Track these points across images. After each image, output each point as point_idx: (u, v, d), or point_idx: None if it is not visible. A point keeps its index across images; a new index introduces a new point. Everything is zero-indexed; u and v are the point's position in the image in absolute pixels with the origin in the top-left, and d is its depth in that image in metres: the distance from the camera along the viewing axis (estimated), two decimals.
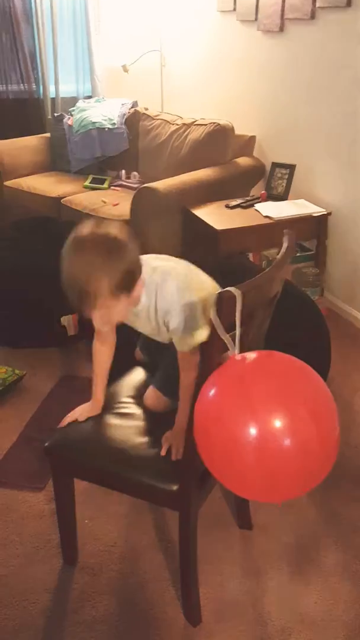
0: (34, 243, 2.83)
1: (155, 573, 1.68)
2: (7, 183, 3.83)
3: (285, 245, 1.32)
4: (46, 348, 2.72)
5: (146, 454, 1.44)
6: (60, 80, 4.40)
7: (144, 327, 1.54)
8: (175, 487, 1.36)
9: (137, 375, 1.75)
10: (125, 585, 1.65)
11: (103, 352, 1.61)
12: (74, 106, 4.12)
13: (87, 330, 2.61)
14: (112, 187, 3.74)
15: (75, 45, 4.39)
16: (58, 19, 4.24)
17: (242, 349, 1.11)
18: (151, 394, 1.63)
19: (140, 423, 1.55)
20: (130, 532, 1.81)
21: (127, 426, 1.53)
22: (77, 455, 1.50)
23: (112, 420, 1.56)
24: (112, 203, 3.35)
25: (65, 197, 3.53)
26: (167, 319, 1.42)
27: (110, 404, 1.61)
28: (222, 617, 1.56)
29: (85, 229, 1.27)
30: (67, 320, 2.61)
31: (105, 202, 3.36)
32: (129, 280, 1.27)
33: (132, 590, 1.63)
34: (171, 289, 1.39)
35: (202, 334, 1.37)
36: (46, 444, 1.52)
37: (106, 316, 1.35)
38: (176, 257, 1.53)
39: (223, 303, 1.07)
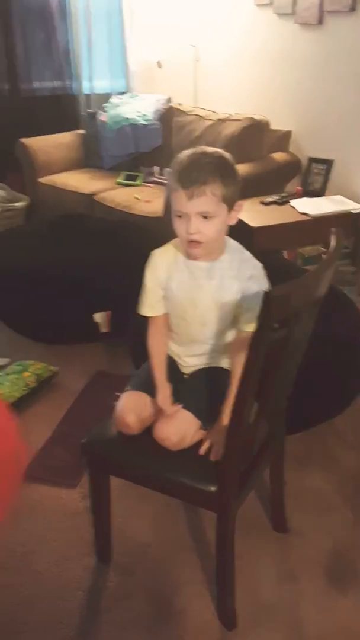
0: (66, 240, 2.83)
1: (190, 574, 1.66)
2: (41, 180, 3.85)
3: (332, 244, 1.28)
4: (79, 345, 2.72)
5: (184, 453, 1.42)
6: (94, 76, 4.41)
7: (202, 299, 1.47)
8: (213, 488, 1.33)
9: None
10: (159, 586, 1.63)
11: (159, 341, 1.58)
12: (107, 102, 4.12)
13: (119, 328, 2.63)
14: (145, 184, 3.72)
15: (110, 41, 4.38)
16: (93, 14, 4.23)
17: (288, 350, 1.08)
18: (177, 421, 1.43)
19: None
20: (165, 531, 1.80)
21: None
22: (114, 453, 1.48)
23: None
24: (145, 200, 3.33)
25: (98, 193, 3.53)
26: (248, 284, 1.41)
27: None
28: (258, 621, 1.53)
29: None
30: (100, 317, 2.60)
31: (138, 199, 3.35)
32: (233, 197, 1.37)
33: (166, 592, 1.61)
34: (254, 259, 1.46)
35: None
36: (83, 441, 1.51)
37: (203, 222, 1.37)
38: None
39: (271, 302, 1.04)
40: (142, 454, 1.44)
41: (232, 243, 1.49)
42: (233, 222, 1.43)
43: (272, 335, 1.11)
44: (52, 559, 1.71)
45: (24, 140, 3.88)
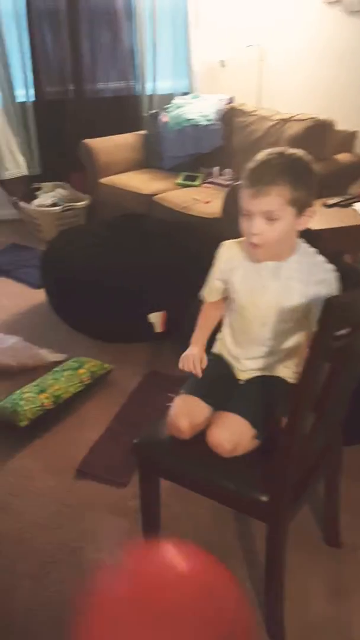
0: (125, 240, 2.85)
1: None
2: (102, 180, 3.90)
3: None
4: (134, 344, 2.73)
5: (236, 460, 1.39)
6: (158, 77, 4.42)
7: (264, 299, 1.44)
8: (265, 498, 1.30)
9: None
10: None
11: (212, 315, 1.66)
12: (169, 103, 4.12)
13: (174, 329, 2.62)
14: (204, 185, 3.70)
15: (174, 42, 4.39)
16: (158, 15, 4.24)
17: (349, 359, 1.03)
18: (232, 428, 1.39)
19: None
20: (212, 536, 1.77)
21: None
22: (165, 455, 1.47)
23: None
24: (203, 201, 3.32)
25: (157, 194, 3.54)
26: (318, 288, 1.37)
27: None
28: (307, 638, 1.48)
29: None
30: (155, 317, 2.60)
31: (197, 200, 3.33)
32: (304, 202, 1.34)
33: None
34: (326, 264, 1.42)
35: None
36: (135, 441, 1.51)
37: (266, 224, 1.35)
38: None
39: (332, 309, 1.00)
40: (193, 459, 1.42)
41: (304, 246, 1.46)
42: (302, 227, 1.39)
43: (331, 343, 1.06)
44: (101, 557, 1.71)
45: (87, 141, 3.94)
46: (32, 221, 4.05)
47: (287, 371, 1.53)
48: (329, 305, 1.00)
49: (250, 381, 1.55)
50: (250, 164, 1.35)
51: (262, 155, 1.35)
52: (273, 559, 1.38)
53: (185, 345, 2.20)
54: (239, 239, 1.49)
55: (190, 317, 2.41)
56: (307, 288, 1.39)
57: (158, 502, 1.60)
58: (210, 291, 1.62)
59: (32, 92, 4.15)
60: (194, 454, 1.43)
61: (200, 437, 1.45)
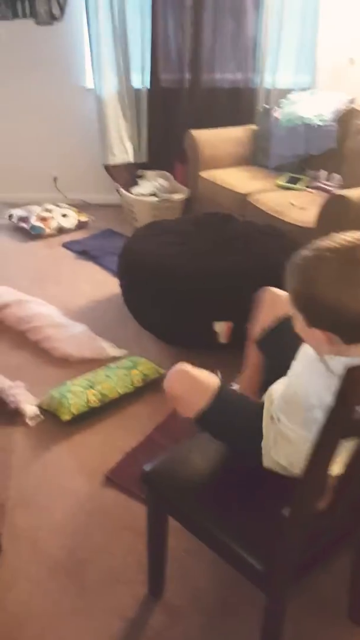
0: (207, 240, 2.72)
1: (243, 634, 1.47)
2: (202, 174, 3.78)
3: None
4: (196, 351, 2.61)
5: (245, 515, 1.23)
6: (280, 70, 4.19)
7: None
8: (260, 567, 1.14)
9: None
10: None
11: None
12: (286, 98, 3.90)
13: (239, 342, 2.46)
14: (307, 189, 3.46)
15: (302, 34, 4.12)
16: (287, 6, 4.01)
17: None
18: None
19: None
20: (225, 579, 1.62)
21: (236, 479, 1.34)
22: (172, 493, 1.35)
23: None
24: (300, 206, 3.09)
25: (253, 194, 3.36)
26: None
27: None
28: None
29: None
30: (219, 327, 2.46)
31: (293, 205, 3.12)
32: (313, 321, 1.06)
33: None
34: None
35: None
36: (145, 469, 1.40)
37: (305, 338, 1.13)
38: None
39: (351, 383, 0.81)
40: (202, 504, 1.29)
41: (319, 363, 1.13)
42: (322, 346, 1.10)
43: (353, 419, 0.88)
44: (106, 576, 1.64)
45: (193, 131, 3.84)
46: (130, 209, 4.04)
47: None
48: (350, 377, 0.82)
49: None
50: None
51: None
52: (268, 633, 1.21)
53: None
54: None
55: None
56: None
57: (165, 537, 1.48)
58: None
59: (147, 78, 4.12)
60: (203, 498, 1.29)
61: (215, 483, 1.31)
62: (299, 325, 1.10)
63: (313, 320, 1.05)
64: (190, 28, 4.03)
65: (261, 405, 1.34)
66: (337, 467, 1.05)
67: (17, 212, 4.04)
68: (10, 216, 4.05)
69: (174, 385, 1.37)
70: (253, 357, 1.65)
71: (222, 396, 1.35)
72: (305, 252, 1.06)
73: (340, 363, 1.04)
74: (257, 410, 1.34)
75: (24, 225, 3.94)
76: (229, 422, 1.36)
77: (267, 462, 1.28)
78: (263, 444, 1.28)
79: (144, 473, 1.39)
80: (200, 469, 1.36)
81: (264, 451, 1.28)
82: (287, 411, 1.24)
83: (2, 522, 1.78)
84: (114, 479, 1.95)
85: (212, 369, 1.45)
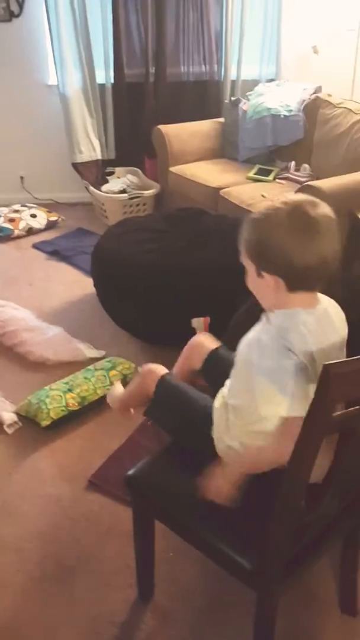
0: (179, 236, 2.70)
1: (233, 636, 1.47)
2: (172, 169, 3.75)
3: None
4: (174, 348, 2.59)
5: (231, 515, 1.22)
6: (244, 61, 4.18)
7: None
8: (248, 566, 1.13)
9: None
10: None
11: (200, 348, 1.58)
12: (253, 90, 3.89)
13: (216, 337, 2.46)
14: (277, 180, 3.47)
15: (265, 25, 4.11)
16: None
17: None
18: None
19: None
20: (215, 577, 1.62)
21: None
22: (157, 496, 1.33)
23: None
24: (271, 198, 3.08)
25: (224, 188, 3.35)
26: None
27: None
28: None
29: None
30: (197, 323, 2.45)
31: (264, 197, 3.12)
32: (263, 266, 1.17)
33: None
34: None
35: None
36: (128, 473, 1.38)
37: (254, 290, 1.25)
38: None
39: (329, 381, 0.80)
40: (183, 504, 1.27)
41: (274, 325, 1.22)
42: (273, 302, 1.22)
43: (331, 418, 0.88)
44: (95, 582, 1.62)
45: (161, 126, 3.80)
46: (100, 207, 4.00)
47: None
48: (327, 376, 0.81)
49: None
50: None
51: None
52: (260, 629, 1.21)
53: None
54: None
55: (234, 325, 2.26)
56: None
57: (152, 539, 1.46)
58: None
59: (111, 74, 4.06)
60: (185, 500, 1.28)
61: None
62: (250, 278, 1.22)
63: (263, 265, 1.16)
64: (153, 21, 3.98)
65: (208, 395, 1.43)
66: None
67: None
68: None
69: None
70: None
71: (167, 382, 1.47)
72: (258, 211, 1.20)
73: (280, 314, 1.18)
74: (207, 399, 1.42)
75: None
76: (177, 410, 1.45)
77: (220, 450, 1.32)
78: (214, 430, 1.33)
79: (127, 477, 1.37)
80: (183, 470, 1.35)
81: (215, 438, 1.32)
82: (234, 387, 1.31)
83: None
84: (98, 482, 1.93)
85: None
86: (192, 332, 2.49)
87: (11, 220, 3.87)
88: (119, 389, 1.87)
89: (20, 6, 3.94)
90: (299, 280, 1.14)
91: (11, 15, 3.96)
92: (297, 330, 1.13)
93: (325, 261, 1.12)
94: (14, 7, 3.94)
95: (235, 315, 2.31)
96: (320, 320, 1.17)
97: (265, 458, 1.18)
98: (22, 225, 3.85)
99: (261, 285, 1.19)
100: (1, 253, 3.68)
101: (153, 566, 1.52)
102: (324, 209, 1.13)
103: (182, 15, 4.01)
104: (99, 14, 3.91)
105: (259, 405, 1.19)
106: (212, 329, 2.47)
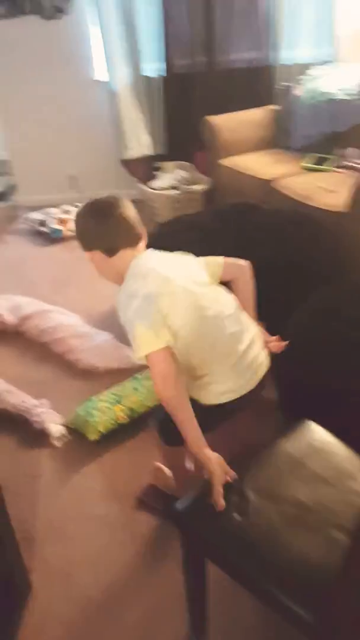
0: (229, 235, 2.55)
1: None
2: (223, 161, 3.59)
3: None
4: None
5: (294, 558, 1.09)
6: (297, 44, 3.95)
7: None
8: (310, 618, 0.99)
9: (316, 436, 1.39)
10: None
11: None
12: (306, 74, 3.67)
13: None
14: (335, 169, 3.24)
15: (318, 3, 3.86)
16: None
17: None
18: None
19: (295, 511, 1.19)
20: (274, 616, 1.48)
21: (282, 515, 1.19)
22: (206, 535, 1.21)
23: (264, 502, 1.22)
24: (328, 189, 2.89)
25: (277, 179, 3.16)
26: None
27: (269, 480, 1.27)
28: None
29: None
30: None
31: (321, 188, 2.91)
32: (87, 243, 1.51)
33: None
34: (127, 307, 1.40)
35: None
36: (177, 507, 1.26)
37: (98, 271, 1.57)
38: None
39: None
40: (239, 545, 1.15)
41: (128, 282, 1.48)
42: (110, 269, 1.55)
43: None
44: (144, 614, 1.52)
45: (210, 117, 3.65)
46: (150, 204, 3.89)
47: None
48: None
49: None
50: None
51: None
52: None
53: (282, 369, 1.91)
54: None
55: (292, 332, 2.10)
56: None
57: (203, 578, 1.34)
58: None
59: (161, 66, 3.93)
60: (242, 540, 1.15)
61: (257, 521, 1.17)
62: (92, 264, 1.54)
63: (87, 247, 1.51)
64: (200, 7, 3.82)
65: None
66: None
67: (35, 216, 3.94)
68: (28, 220, 3.95)
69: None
70: None
71: None
72: None
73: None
74: None
75: (42, 228, 3.84)
76: None
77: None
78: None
79: (175, 512, 1.25)
80: (235, 505, 1.22)
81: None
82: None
83: (32, 556, 1.68)
84: (147, 500, 1.83)
85: None
86: None
87: (62, 221, 3.83)
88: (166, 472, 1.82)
89: (68, 2, 3.88)
90: (110, 246, 1.47)
91: (59, 12, 3.90)
92: (135, 279, 1.43)
93: (121, 229, 1.46)
94: (61, 3, 3.87)
95: (296, 314, 2.16)
96: (152, 256, 1.52)
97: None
98: (72, 225, 3.80)
99: (93, 259, 1.50)
100: (51, 255, 3.65)
101: (206, 603, 1.40)
102: (107, 197, 1.51)
103: (229, 1, 3.83)
104: (146, 5, 3.78)
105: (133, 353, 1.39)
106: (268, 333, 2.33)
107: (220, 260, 1.62)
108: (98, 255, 1.48)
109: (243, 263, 1.67)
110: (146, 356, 1.32)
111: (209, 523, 1.20)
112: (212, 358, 1.44)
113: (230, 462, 1.29)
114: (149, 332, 1.31)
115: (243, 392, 1.48)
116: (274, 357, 1.97)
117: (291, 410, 1.96)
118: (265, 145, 3.69)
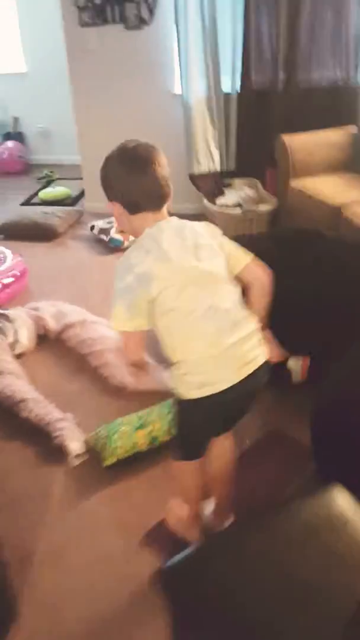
0: (286, 265, 2.38)
1: None
2: (293, 182, 3.43)
3: None
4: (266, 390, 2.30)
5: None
6: None
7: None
8: None
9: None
10: None
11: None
12: None
13: (312, 380, 2.13)
14: None
15: None
16: None
17: None
18: None
19: (297, 594, 1.03)
20: None
21: (282, 594, 1.04)
22: (196, 605, 1.07)
23: (265, 575, 1.07)
24: None
25: (348, 206, 2.96)
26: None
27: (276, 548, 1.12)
28: None
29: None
30: (295, 363, 2.14)
31: None
32: (111, 193, 1.41)
33: None
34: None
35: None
36: (167, 565, 1.13)
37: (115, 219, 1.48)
38: None
39: None
40: (234, 628, 1.00)
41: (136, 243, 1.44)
42: (127, 225, 1.44)
43: None
44: None
45: (284, 136, 3.50)
46: (213, 220, 3.78)
47: None
48: None
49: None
50: None
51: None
52: None
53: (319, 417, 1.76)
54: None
55: (333, 380, 1.92)
56: None
57: None
58: None
59: (238, 81, 3.83)
60: (239, 614, 1.00)
61: (262, 587, 1.02)
62: (112, 209, 1.43)
63: (110, 196, 1.41)
64: (285, 23, 3.69)
65: None
66: None
67: (99, 224, 3.93)
68: (92, 227, 3.95)
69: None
70: None
71: None
72: None
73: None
74: None
75: (103, 237, 3.82)
76: None
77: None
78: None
79: (163, 573, 1.13)
80: (233, 574, 1.07)
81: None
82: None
83: (25, 580, 1.60)
84: (154, 537, 1.70)
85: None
86: (287, 374, 2.19)
87: (122, 231, 3.79)
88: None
89: (151, 13, 3.86)
90: (133, 205, 1.38)
91: (142, 22, 3.90)
92: (139, 250, 1.37)
93: (149, 189, 1.36)
94: (145, 14, 3.86)
95: (340, 363, 1.97)
96: (166, 230, 1.39)
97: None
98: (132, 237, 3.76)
99: (114, 210, 1.41)
100: (108, 265, 3.61)
101: None
102: (146, 146, 1.40)
103: (318, 15, 3.66)
104: (229, 17, 3.70)
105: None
106: (310, 372, 2.15)
107: (244, 260, 1.51)
108: (119, 207, 1.40)
109: (266, 279, 1.55)
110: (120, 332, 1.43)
111: (196, 589, 1.06)
112: (193, 345, 1.37)
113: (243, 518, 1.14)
114: (126, 314, 1.36)
115: (225, 385, 1.37)
116: (313, 404, 1.81)
117: (323, 462, 1.78)
118: (340, 168, 3.50)
